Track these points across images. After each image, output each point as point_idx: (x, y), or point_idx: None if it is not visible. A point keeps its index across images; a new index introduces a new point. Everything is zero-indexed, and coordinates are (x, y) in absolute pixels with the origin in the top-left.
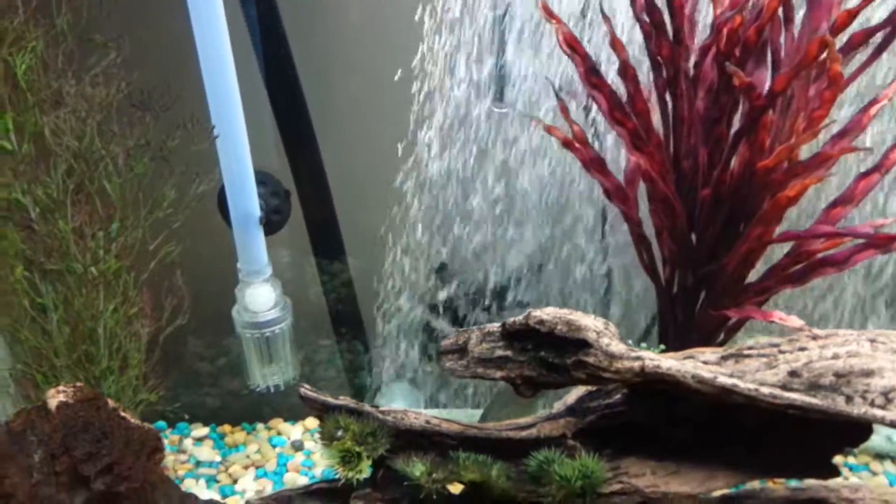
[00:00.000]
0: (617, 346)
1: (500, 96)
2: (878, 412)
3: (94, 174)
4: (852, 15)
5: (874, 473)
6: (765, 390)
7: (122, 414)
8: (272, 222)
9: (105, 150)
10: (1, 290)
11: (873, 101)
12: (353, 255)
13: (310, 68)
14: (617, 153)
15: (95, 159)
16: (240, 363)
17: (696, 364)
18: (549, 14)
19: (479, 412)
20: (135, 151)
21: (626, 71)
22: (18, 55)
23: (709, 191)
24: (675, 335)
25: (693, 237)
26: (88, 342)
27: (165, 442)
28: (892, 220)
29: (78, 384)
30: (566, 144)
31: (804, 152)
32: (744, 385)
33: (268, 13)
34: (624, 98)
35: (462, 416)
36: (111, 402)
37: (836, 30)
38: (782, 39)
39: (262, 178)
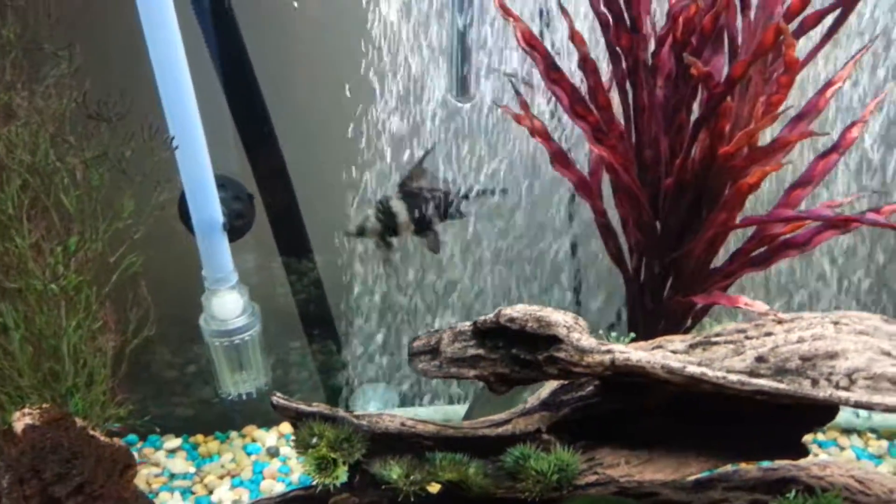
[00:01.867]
0: (587, 341)
1: (461, 90)
2: (843, 394)
3: (50, 188)
4: (805, 0)
5: (842, 448)
6: (733, 377)
7: (92, 433)
8: (236, 227)
9: (60, 163)
10: None
11: (829, 83)
12: (320, 254)
13: (266, 67)
14: (581, 145)
15: (49, 172)
16: (209, 371)
17: (665, 354)
18: (507, 12)
19: (450, 408)
20: (91, 162)
21: (587, 64)
22: None
23: (671, 180)
24: (644, 322)
25: (658, 226)
26: (52, 360)
27: (137, 456)
28: (850, 200)
29: (44, 405)
30: (533, 134)
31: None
32: (712, 373)
33: (221, 14)
34: (584, 92)
35: (436, 415)
36: (79, 421)
37: (791, 15)
38: (739, 24)
39: (223, 183)
